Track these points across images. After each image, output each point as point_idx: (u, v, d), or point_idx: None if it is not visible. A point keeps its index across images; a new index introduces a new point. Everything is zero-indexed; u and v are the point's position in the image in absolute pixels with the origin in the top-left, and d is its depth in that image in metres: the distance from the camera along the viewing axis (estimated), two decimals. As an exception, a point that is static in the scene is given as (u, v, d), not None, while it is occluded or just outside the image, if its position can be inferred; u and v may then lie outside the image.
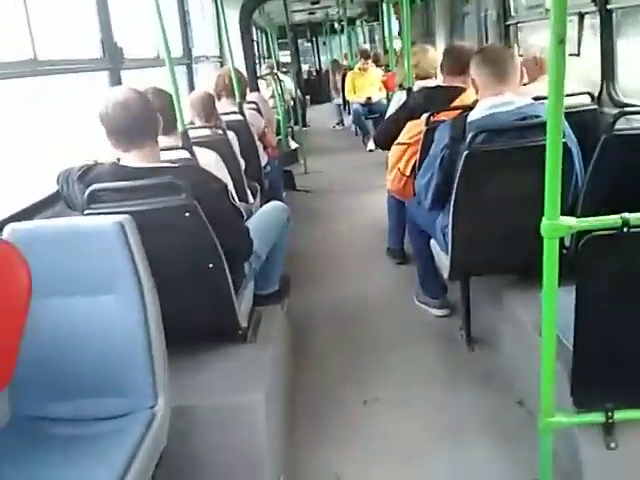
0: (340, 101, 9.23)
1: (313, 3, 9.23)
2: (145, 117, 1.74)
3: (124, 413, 1.40)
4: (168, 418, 1.43)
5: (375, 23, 10.88)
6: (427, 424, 2.01)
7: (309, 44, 15.00)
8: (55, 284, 1.37)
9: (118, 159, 1.77)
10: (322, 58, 14.80)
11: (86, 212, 1.66)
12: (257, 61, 7.69)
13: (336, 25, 10.87)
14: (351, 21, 11.45)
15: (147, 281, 1.37)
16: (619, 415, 1.42)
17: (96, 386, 1.41)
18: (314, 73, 14.67)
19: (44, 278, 1.27)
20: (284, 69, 8.49)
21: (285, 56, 10.88)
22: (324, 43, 14.42)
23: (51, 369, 1.41)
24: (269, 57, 7.87)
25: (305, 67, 14.78)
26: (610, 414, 1.43)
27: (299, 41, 14.34)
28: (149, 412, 1.38)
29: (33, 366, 1.36)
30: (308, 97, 12.65)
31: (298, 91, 8.32)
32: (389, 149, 2.79)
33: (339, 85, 8.89)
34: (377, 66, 7.68)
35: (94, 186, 1.66)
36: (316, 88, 12.81)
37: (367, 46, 11.53)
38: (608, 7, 2.62)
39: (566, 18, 1.13)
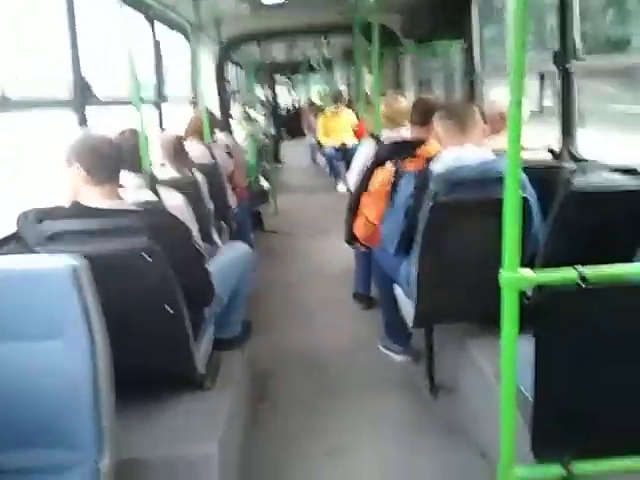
0: (314, 141, 9.32)
1: (290, 45, 9.50)
2: (119, 156, 1.83)
3: (66, 466, 1.31)
4: (113, 473, 1.34)
5: (352, 67, 11.24)
6: (388, 477, 1.96)
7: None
8: None
9: (77, 201, 1.74)
10: (301, 95, 15.13)
11: (42, 253, 1.61)
12: (233, 96, 7.79)
13: (314, 65, 11.17)
14: (328, 63, 11.80)
15: (98, 327, 1.31)
16: (579, 468, 1.41)
17: (39, 436, 1.33)
18: (291, 109, 14.94)
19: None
20: (264, 105, 8.58)
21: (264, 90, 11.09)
22: (302, 81, 14.78)
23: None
24: (249, 91, 7.96)
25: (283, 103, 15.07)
26: (570, 467, 1.41)
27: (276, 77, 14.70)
28: (93, 466, 1.30)
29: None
30: (284, 129, 12.87)
31: (272, 128, 8.41)
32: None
33: (313, 125, 9.00)
34: (349, 108, 7.83)
35: (50, 224, 1.62)
36: (292, 123, 13.01)
37: (344, 87, 11.84)
38: (568, 68, 2.76)
39: (523, 84, 1.20)
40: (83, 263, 1.31)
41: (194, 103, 5.02)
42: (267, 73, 8.00)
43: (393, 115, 3.16)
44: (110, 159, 1.79)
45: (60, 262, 1.31)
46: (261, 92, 8.46)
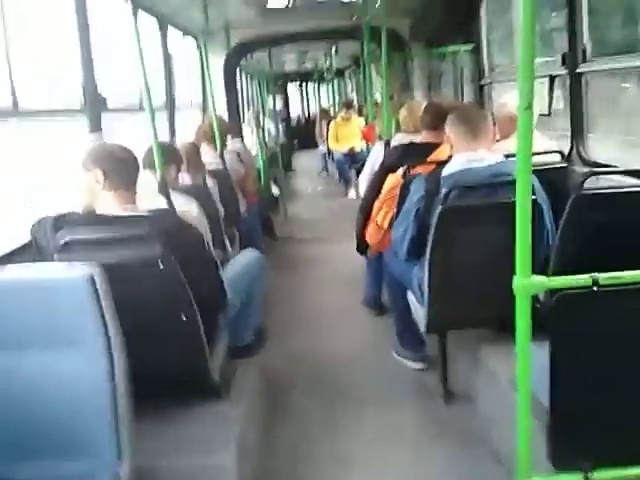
0: (325, 149, 9.39)
1: (301, 53, 9.54)
2: (136, 163, 1.87)
3: (86, 475, 1.32)
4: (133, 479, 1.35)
5: (362, 75, 11.27)
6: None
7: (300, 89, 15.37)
8: (13, 336, 1.31)
9: (92, 209, 1.76)
10: (312, 105, 15.15)
11: (57, 261, 1.63)
12: (244, 105, 7.84)
13: (325, 74, 11.21)
14: (339, 72, 11.83)
15: (115, 335, 1.32)
16: (598, 476, 1.40)
17: (56, 447, 1.34)
18: (303, 119, 14.97)
19: (3, 329, 1.21)
20: (275, 115, 8.64)
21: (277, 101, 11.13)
22: (313, 91, 14.81)
23: (8, 427, 1.33)
24: (260, 102, 8.04)
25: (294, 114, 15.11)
26: (589, 475, 1.40)
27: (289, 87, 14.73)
28: (113, 475, 1.31)
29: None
30: (296, 142, 12.89)
31: (284, 137, 8.44)
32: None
33: (325, 133, 9.08)
34: (360, 116, 7.87)
35: (67, 235, 1.63)
36: (304, 134, 13.04)
37: (354, 95, 11.86)
38: (577, 71, 2.75)
39: (533, 86, 1.19)
40: (99, 271, 1.32)
41: (204, 109, 5.06)
42: (279, 83, 8.05)
43: (415, 122, 3.12)
44: (128, 165, 1.83)
45: (77, 271, 1.32)
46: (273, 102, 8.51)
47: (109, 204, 1.77)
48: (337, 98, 11.09)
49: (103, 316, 1.30)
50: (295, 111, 15.22)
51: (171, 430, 1.77)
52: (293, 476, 2.04)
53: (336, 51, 8.53)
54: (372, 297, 3.47)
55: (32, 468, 1.35)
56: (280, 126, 9.88)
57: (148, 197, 2.15)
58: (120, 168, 1.79)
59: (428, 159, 2.54)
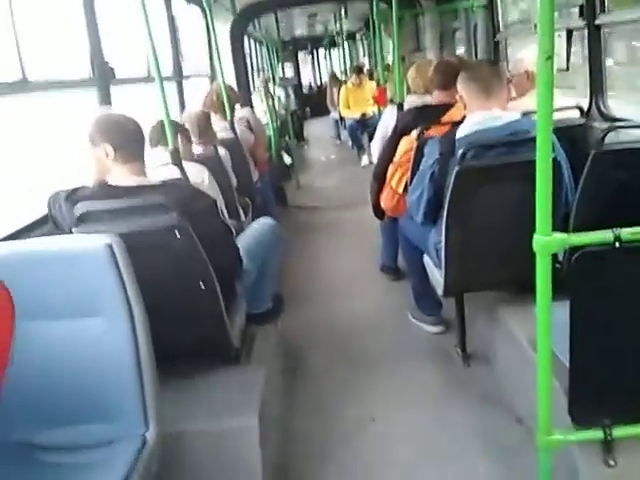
0: (337, 116, 9.25)
1: (310, 17, 9.32)
2: (142, 133, 1.83)
3: (114, 440, 1.36)
4: (160, 445, 1.39)
5: (372, 37, 11.01)
6: (425, 444, 1.98)
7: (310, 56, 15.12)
8: (39, 307, 1.33)
9: (105, 181, 1.76)
10: (323, 71, 14.91)
11: (75, 232, 1.64)
12: (254, 74, 7.73)
13: (336, 38, 10.98)
14: (351, 35, 11.57)
15: (136, 303, 1.33)
16: (618, 432, 1.40)
17: (84, 412, 1.37)
18: (314, 87, 14.76)
19: (27, 301, 1.23)
20: (284, 83, 8.53)
21: (287, 68, 10.97)
22: (324, 57, 14.54)
23: (37, 395, 1.37)
24: (270, 69, 7.91)
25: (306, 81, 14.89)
26: (609, 431, 1.41)
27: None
28: (140, 439, 1.35)
29: (18, 392, 1.31)
30: (308, 110, 12.74)
31: (295, 106, 8.32)
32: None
33: (336, 99, 8.96)
34: (372, 80, 7.72)
35: (83, 206, 1.64)
36: (316, 101, 12.89)
37: (366, 60, 11.63)
38: (596, 22, 2.65)
39: (554, 35, 1.14)
40: (118, 240, 1.33)
41: (212, 78, 4.99)
42: (289, 49, 7.90)
43: (425, 82, 3.03)
44: (136, 136, 1.80)
45: (95, 241, 1.33)
46: (284, 70, 8.36)
47: (121, 176, 1.76)
48: (349, 63, 10.86)
49: (124, 285, 1.32)
50: (307, 78, 15.00)
51: (194, 396, 1.80)
52: (315, 436, 2.08)
53: (345, 13, 8.32)
54: (388, 262, 3.46)
55: (60, 434, 1.39)
56: (291, 94, 9.76)
57: (158, 169, 2.15)
58: (129, 141, 1.77)
59: (442, 120, 2.50)
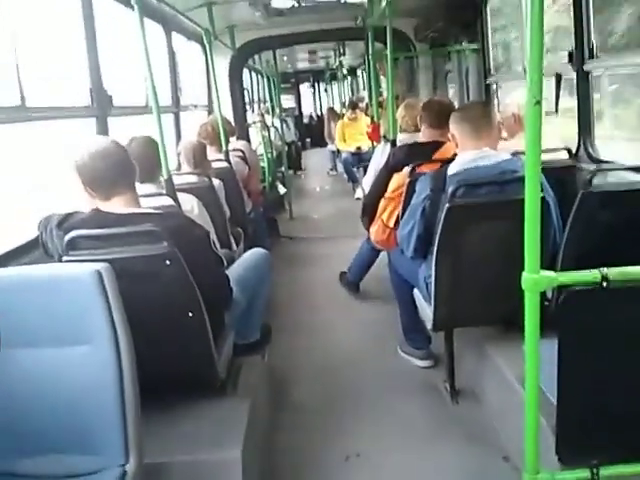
0: (334, 148, 9.45)
1: (310, 53, 9.55)
2: (125, 164, 1.75)
3: (94, 471, 1.33)
4: (140, 476, 1.36)
5: (367, 75, 11.26)
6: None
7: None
8: (23, 335, 1.31)
9: (97, 207, 1.75)
10: (324, 102, 15.17)
11: (64, 259, 1.63)
12: (254, 105, 7.85)
13: (337, 73, 11.25)
14: (352, 70, 11.84)
15: (123, 332, 1.32)
16: (605, 471, 1.39)
17: (66, 442, 1.34)
18: (315, 117, 15.02)
19: (10, 329, 1.22)
20: (285, 114, 8.66)
21: (288, 100, 11.16)
22: (325, 90, 14.82)
23: (19, 424, 1.34)
24: (271, 101, 8.03)
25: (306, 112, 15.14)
26: (596, 471, 1.39)
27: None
28: (120, 470, 1.31)
29: (-1, 420, 1.30)
30: (309, 140, 12.93)
31: (294, 136, 8.43)
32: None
33: (334, 132, 9.13)
34: (367, 115, 7.87)
35: (73, 232, 1.64)
36: (316, 132, 13.08)
37: (366, 94, 11.87)
38: (584, 68, 2.74)
39: (542, 81, 1.18)
40: (107, 268, 1.32)
41: (209, 111, 5.07)
42: (291, 81, 8.08)
43: (414, 120, 3.11)
44: (116, 170, 1.70)
45: (84, 268, 1.32)
46: (285, 101, 8.54)
47: (112, 207, 1.73)
48: (349, 97, 11.09)
49: (111, 313, 1.30)
50: (307, 109, 15.27)
51: (178, 426, 1.77)
52: (298, 471, 2.04)
53: (343, 51, 8.54)
54: (351, 277, 3.72)
55: (41, 464, 1.35)
56: (291, 124, 9.93)
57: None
58: (104, 180, 1.67)
59: (433, 157, 2.54)
